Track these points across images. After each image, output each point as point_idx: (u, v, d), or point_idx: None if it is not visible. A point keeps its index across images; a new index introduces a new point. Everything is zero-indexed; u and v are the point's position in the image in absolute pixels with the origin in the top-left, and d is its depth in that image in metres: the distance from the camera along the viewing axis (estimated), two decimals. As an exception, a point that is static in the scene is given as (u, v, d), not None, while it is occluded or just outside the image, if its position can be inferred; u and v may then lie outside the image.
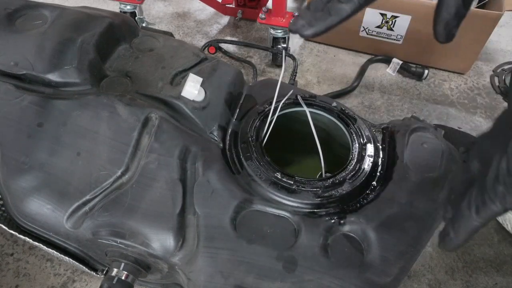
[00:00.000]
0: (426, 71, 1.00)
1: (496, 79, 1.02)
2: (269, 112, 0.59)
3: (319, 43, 1.13)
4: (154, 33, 0.66)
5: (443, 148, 0.56)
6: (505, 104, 0.96)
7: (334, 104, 0.63)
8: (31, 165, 0.48)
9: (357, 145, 0.57)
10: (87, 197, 0.47)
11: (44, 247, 0.49)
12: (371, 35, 1.03)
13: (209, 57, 0.63)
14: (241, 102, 0.63)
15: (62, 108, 0.51)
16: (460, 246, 0.34)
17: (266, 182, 0.51)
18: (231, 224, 0.47)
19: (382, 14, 0.97)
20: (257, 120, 0.59)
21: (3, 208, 0.50)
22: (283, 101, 0.60)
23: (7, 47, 0.54)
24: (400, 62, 1.02)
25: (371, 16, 0.99)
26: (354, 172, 0.54)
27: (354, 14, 0.34)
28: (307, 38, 0.36)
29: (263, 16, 0.94)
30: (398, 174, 0.53)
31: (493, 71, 1.05)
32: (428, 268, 0.67)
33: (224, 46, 1.07)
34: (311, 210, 0.50)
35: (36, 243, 0.49)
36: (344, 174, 0.53)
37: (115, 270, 0.47)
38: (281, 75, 0.64)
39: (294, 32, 0.36)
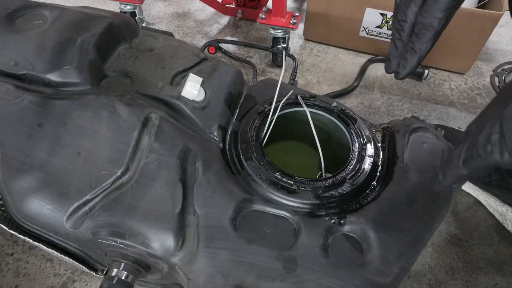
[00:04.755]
0: (426, 71, 0.99)
1: (496, 79, 1.02)
2: (269, 112, 0.59)
3: (319, 43, 1.13)
4: (154, 33, 0.66)
5: (443, 148, 0.56)
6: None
7: (334, 104, 0.63)
8: (31, 165, 0.48)
9: (357, 145, 0.57)
10: (87, 197, 0.47)
11: (44, 247, 0.49)
12: (371, 35, 1.03)
13: (209, 57, 0.63)
14: (241, 102, 0.63)
15: (62, 108, 0.51)
16: (445, 188, 0.38)
17: (266, 182, 0.51)
18: (231, 224, 0.47)
19: (382, 14, 0.97)
20: (257, 120, 0.59)
21: (3, 208, 0.50)
22: (283, 101, 0.60)
23: (7, 47, 0.54)
24: (400, 62, 1.02)
25: (371, 16, 0.99)
26: (354, 172, 0.54)
27: (432, 47, 0.41)
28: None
29: (263, 16, 0.94)
30: (398, 174, 0.53)
31: (493, 71, 1.05)
32: (428, 268, 0.67)
33: (224, 46, 1.07)
34: (311, 210, 0.50)
35: (36, 243, 0.49)
36: (344, 174, 0.53)
37: (115, 270, 0.47)
38: (281, 75, 0.64)
39: (391, 73, 0.45)
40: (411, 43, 0.42)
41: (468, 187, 0.76)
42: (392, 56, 0.44)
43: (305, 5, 1.18)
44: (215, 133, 0.56)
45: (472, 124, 0.35)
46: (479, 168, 0.33)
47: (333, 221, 0.49)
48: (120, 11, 1.03)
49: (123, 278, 0.46)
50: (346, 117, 0.61)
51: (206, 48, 1.01)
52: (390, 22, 0.98)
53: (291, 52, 1.01)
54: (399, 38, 0.43)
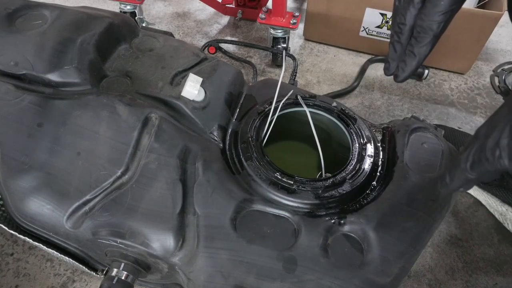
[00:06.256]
0: (426, 71, 1.00)
1: (496, 79, 1.02)
2: (269, 112, 0.59)
3: (319, 43, 1.13)
4: (154, 33, 0.66)
5: (443, 148, 0.56)
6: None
7: (334, 104, 0.63)
8: (31, 165, 0.48)
9: (357, 145, 0.57)
10: (87, 197, 0.47)
11: (44, 247, 0.49)
12: (371, 35, 1.03)
13: (209, 57, 0.63)
14: (241, 102, 0.63)
15: (62, 108, 0.51)
16: (452, 191, 0.38)
17: (266, 182, 0.51)
18: (231, 224, 0.47)
19: (382, 14, 0.97)
20: (257, 120, 0.59)
21: (3, 208, 0.50)
22: (283, 101, 0.60)
23: (7, 47, 0.54)
24: (400, 62, 1.02)
25: (371, 16, 0.99)
26: (354, 172, 0.54)
27: (432, 50, 0.41)
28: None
29: (263, 16, 0.94)
30: (398, 174, 0.53)
31: (493, 71, 1.05)
32: (428, 268, 0.67)
33: (224, 46, 1.07)
34: (311, 210, 0.50)
35: (36, 243, 0.49)
36: (344, 174, 0.53)
37: (115, 270, 0.47)
38: (281, 75, 0.64)
39: (390, 75, 0.44)
40: (410, 46, 0.41)
41: (468, 187, 0.76)
42: (391, 58, 0.44)
43: (305, 5, 1.18)
44: (215, 133, 0.56)
45: (482, 128, 0.34)
46: (487, 173, 0.32)
47: (333, 221, 0.49)
48: (120, 11, 1.03)
49: (123, 278, 0.46)
50: (346, 117, 0.61)
51: (206, 48, 1.01)
52: (390, 22, 0.98)
53: (291, 52, 1.01)
54: (398, 41, 0.42)
